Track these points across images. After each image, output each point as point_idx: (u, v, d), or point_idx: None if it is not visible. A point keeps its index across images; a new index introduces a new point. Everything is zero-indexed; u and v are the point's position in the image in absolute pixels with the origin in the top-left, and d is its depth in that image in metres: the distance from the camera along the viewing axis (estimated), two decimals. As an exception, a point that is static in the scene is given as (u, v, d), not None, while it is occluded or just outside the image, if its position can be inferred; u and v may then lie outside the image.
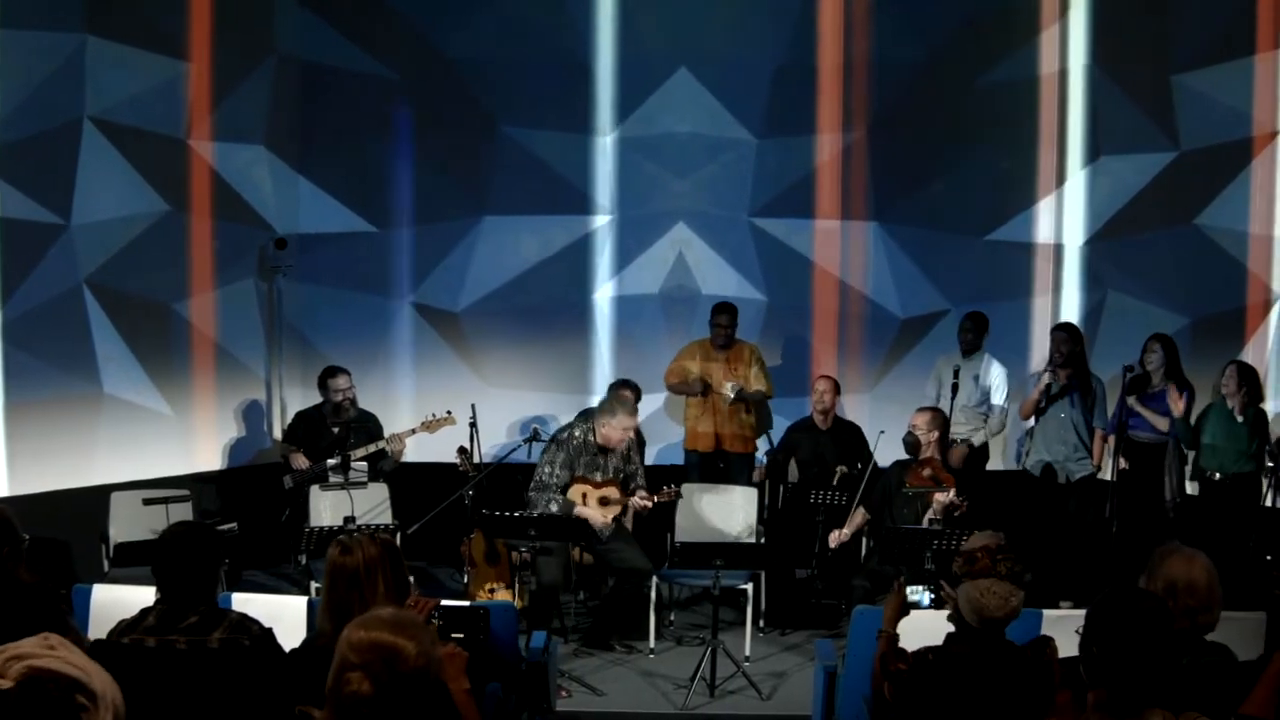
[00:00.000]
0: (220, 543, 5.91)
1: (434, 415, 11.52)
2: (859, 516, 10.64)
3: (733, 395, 12.09)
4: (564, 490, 10.45)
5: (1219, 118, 13.09)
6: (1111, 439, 11.61)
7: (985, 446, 12.16)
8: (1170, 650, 4.46)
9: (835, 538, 10.63)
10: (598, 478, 10.46)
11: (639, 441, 10.73)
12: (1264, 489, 10.96)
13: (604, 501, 10.46)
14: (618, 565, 10.53)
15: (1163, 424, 11.41)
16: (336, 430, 11.57)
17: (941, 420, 10.67)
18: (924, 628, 6.37)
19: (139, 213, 12.05)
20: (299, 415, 12.04)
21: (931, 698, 5.66)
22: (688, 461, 12.42)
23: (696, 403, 12.30)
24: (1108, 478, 11.70)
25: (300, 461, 11.46)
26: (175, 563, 5.58)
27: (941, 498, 10.09)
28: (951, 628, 5.86)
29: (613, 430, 10.41)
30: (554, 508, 10.30)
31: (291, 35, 13.03)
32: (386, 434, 11.68)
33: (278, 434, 12.84)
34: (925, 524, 10.00)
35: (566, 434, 10.60)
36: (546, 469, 10.48)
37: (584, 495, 10.49)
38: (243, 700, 5.38)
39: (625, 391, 11.54)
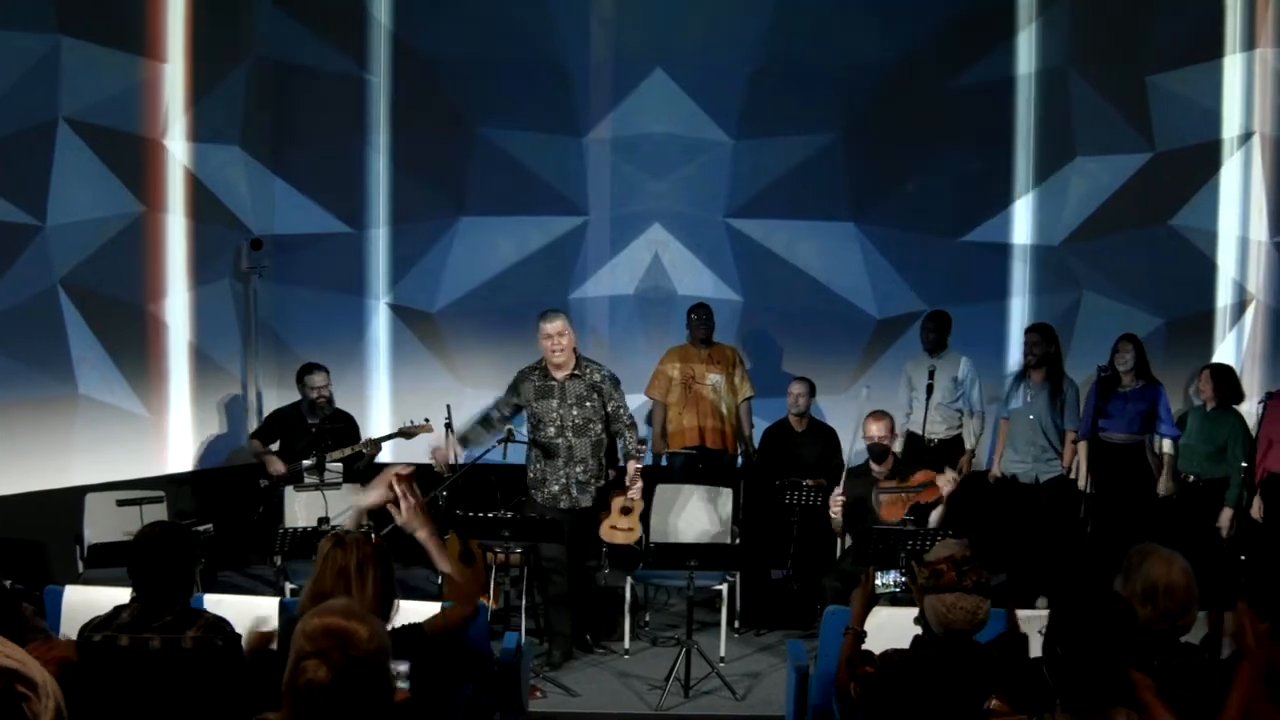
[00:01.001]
0: (195, 543, 5.97)
1: (412, 422, 11.54)
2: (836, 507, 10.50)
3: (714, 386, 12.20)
4: (506, 418, 10.51)
5: (1193, 119, 13.21)
6: (1084, 442, 11.65)
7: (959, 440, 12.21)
8: (1134, 651, 4.51)
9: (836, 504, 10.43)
10: (554, 404, 10.26)
11: (613, 379, 10.41)
12: (1234, 491, 10.94)
13: (625, 510, 10.44)
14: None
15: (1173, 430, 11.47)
16: (314, 429, 11.56)
17: (893, 422, 10.75)
18: (892, 627, 6.42)
19: (114, 213, 12.09)
20: (275, 413, 12.08)
21: (899, 699, 5.71)
22: (671, 464, 12.41)
23: (678, 400, 12.31)
24: (1076, 478, 11.77)
25: (277, 467, 11.47)
26: (151, 563, 5.63)
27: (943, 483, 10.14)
28: (918, 629, 5.92)
29: (541, 344, 10.23)
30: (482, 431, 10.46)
31: (267, 36, 13.10)
32: (363, 436, 11.70)
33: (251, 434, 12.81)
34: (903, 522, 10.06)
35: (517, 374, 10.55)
36: (494, 409, 10.55)
37: (611, 526, 10.53)
38: (215, 700, 5.43)
39: None
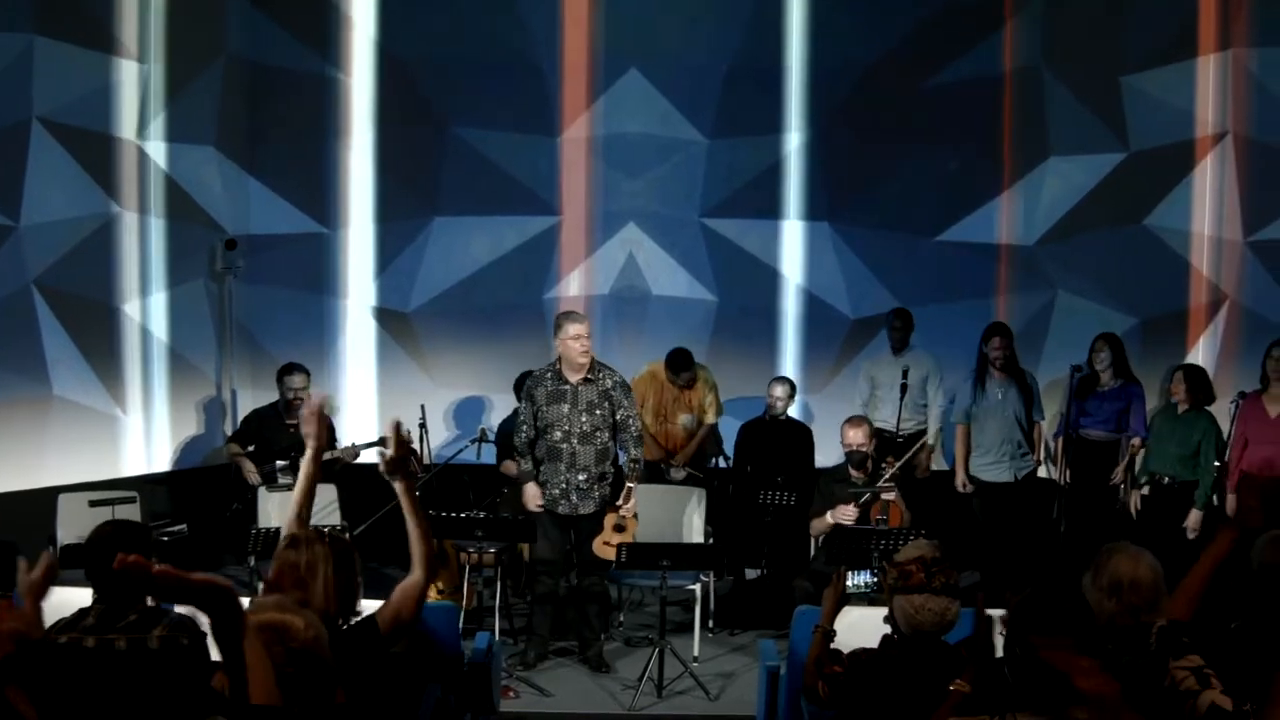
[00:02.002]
0: (150, 540, 5.99)
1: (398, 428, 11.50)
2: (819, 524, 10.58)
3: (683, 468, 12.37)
4: (532, 445, 10.34)
5: (1167, 119, 13.29)
6: (1060, 438, 11.72)
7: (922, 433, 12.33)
8: (1095, 649, 4.57)
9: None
10: (565, 409, 10.18)
11: (624, 385, 10.42)
12: (1203, 491, 10.98)
13: (619, 528, 10.47)
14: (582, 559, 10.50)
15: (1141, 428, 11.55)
16: (292, 429, 11.52)
17: (872, 428, 10.84)
18: (862, 627, 6.46)
19: (88, 214, 12.16)
20: (253, 414, 12.08)
21: (867, 699, 5.75)
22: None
23: (650, 424, 12.28)
24: (1048, 475, 11.84)
25: (253, 477, 11.49)
26: (107, 562, 5.59)
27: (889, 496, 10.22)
28: (888, 628, 5.94)
29: (568, 345, 10.10)
30: (527, 465, 10.28)
31: (242, 36, 13.14)
32: (340, 438, 11.72)
33: (228, 434, 12.86)
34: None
35: (537, 373, 10.43)
36: (523, 431, 10.34)
37: (603, 542, 10.49)
38: (182, 699, 5.42)
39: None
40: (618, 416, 10.30)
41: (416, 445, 11.63)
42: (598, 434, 10.24)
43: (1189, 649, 5.00)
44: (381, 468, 5.87)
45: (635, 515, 10.45)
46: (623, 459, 10.53)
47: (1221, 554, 5.50)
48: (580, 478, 10.21)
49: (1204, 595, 5.50)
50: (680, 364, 12.13)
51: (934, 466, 12.46)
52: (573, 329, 10.08)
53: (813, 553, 10.82)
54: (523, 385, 10.62)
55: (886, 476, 10.42)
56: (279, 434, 11.63)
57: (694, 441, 12.42)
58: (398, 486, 5.82)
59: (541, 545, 10.26)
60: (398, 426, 5.85)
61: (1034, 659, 4.56)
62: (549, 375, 10.24)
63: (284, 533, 5.94)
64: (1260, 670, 4.90)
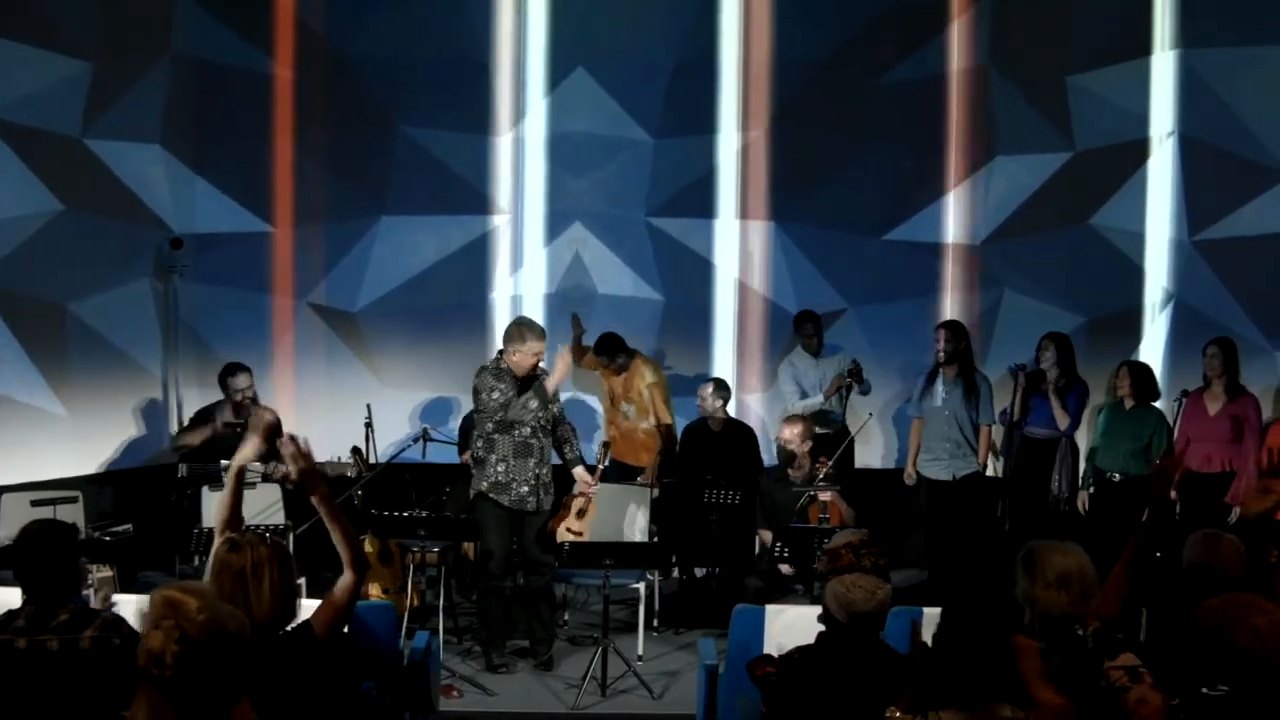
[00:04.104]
0: (77, 539, 6.03)
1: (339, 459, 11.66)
2: (766, 536, 10.72)
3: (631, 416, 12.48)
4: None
5: (1114, 118, 13.47)
6: (999, 435, 11.87)
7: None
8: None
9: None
10: (535, 405, 10.29)
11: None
12: None
13: (581, 514, 10.59)
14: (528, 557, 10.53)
15: (1064, 420, 11.69)
16: (238, 430, 11.57)
17: (811, 430, 10.99)
18: (798, 626, 6.60)
19: (33, 212, 12.20)
20: (200, 413, 12.13)
21: (801, 698, 5.85)
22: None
23: (610, 423, 12.56)
24: (993, 474, 12.00)
25: (199, 435, 11.62)
26: (35, 561, 5.72)
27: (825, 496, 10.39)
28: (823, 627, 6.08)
29: (524, 357, 10.13)
30: (534, 405, 10.29)
31: (188, 34, 13.16)
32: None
33: (174, 433, 12.95)
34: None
35: (491, 365, 10.42)
36: (495, 395, 10.22)
37: (565, 527, 10.67)
38: (115, 699, 5.40)
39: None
40: (554, 410, 10.47)
41: (361, 445, 11.75)
42: (560, 425, 10.58)
43: (1123, 647, 5.17)
44: (291, 479, 5.97)
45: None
46: (569, 450, 10.62)
47: (1137, 546, 5.82)
48: (545, 471, 10.36)
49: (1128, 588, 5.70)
50: (604, 347, 12.42)
51: (869, 464, 12.62)
52: (536, 346, 10.18)
53: (757, 550, 10.97)
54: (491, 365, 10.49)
55: (821, 477, 10.62)
56: (226, 435, 11.57)
57: (659, 455, 12.58)
58: (314, 499, 5.93)
59: (494, 540, 10.33)
60: (293, 443, 5.96)
61: (1006, 657, 4.74)
62: (505, 374, 10.27)
63: (216, 536, 5.96)
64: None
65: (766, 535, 10.64)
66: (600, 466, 10.92)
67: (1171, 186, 13.45)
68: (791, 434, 10.86)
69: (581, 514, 10.54)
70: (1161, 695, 4.94)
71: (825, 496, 10.50)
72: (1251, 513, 6.29)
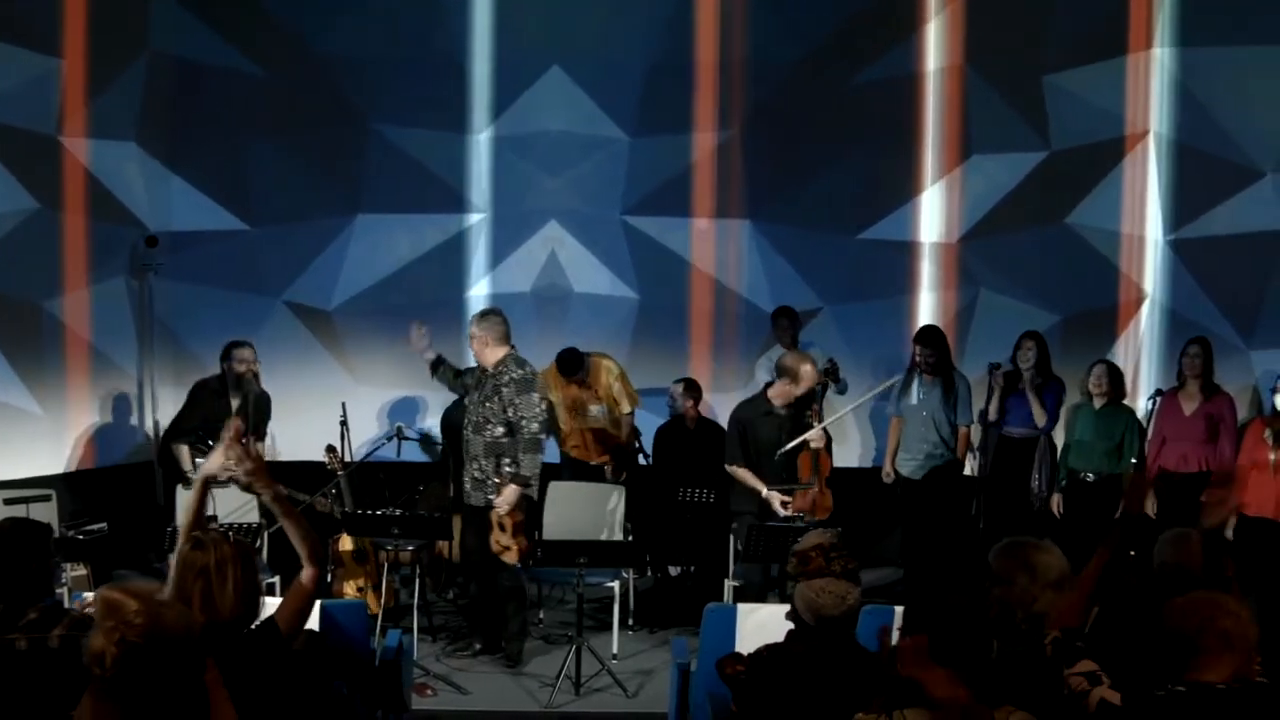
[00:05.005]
0: (48, 538, 6.08)
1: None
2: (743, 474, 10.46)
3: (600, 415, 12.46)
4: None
5: (1089, 118, 13.57)
6: (978, 435, 11.92)
7: None
8: (983, 646, 4.83)
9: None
10: (475, 397, 10.48)
11: (519, 383, 10.28)
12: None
13: (501, 527, 10.47)
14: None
15: (1041, 418, 11.74)
16: (236, 403, 11.69)
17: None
18: (769, 625, 6.63)
19: (8, 210, 12.20)
20: (200, 385, 12.10)
21: (770, 697, 5.84)
22: (561, 461, 12.60)
23: (567, 422, 12.49)
24: (970, 473, 12.05)
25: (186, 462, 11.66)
26: (5, 560, 5.76)
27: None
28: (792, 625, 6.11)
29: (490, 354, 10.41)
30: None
31: (164, 32, 13.19)
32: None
33: (149, 431, 13.09)
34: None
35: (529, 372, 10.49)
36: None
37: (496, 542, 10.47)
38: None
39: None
40: (509, 415, 10.29)
41: (336, 443, 11.78)
42: (487, 426, 10.35)
43: (1082, 654, 5.22)
44: (242, 484, 5.99)
45: (518, 523, 10.26)
46: (508, 464, 10.34)
47: (1105, 559, 5.68)
48: (474, 468, 10.39)
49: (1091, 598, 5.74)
50: (568, 367, 12.26)
51: (847, 463, 12.67)
52: (469, 328, 10.53)
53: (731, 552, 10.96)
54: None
55: (821, 423, 10.51)
56: (222, 409, 11.63)
57: (621, 441, 12.59)
58: (265, 497, 6.01)
59: (467, 536, 10.50)
60: (239, 439, 5.98)
61: (973, 655, 4.78)
62: (477, 366, 10.53)
63: (180, 535, 5.92)
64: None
65: (743, 474, 10.36)
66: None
67: (1148, 186, 13.56)
68: (812, 372, 10.41)
69: (503, 528, 10.37)
70: (1120, 695, 4.98)
71: (818, 443, 10.34)
72: (1209, 524, 6.36)
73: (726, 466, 10.51)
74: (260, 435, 11.79)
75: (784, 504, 10.19)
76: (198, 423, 11.79)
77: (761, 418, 10.42)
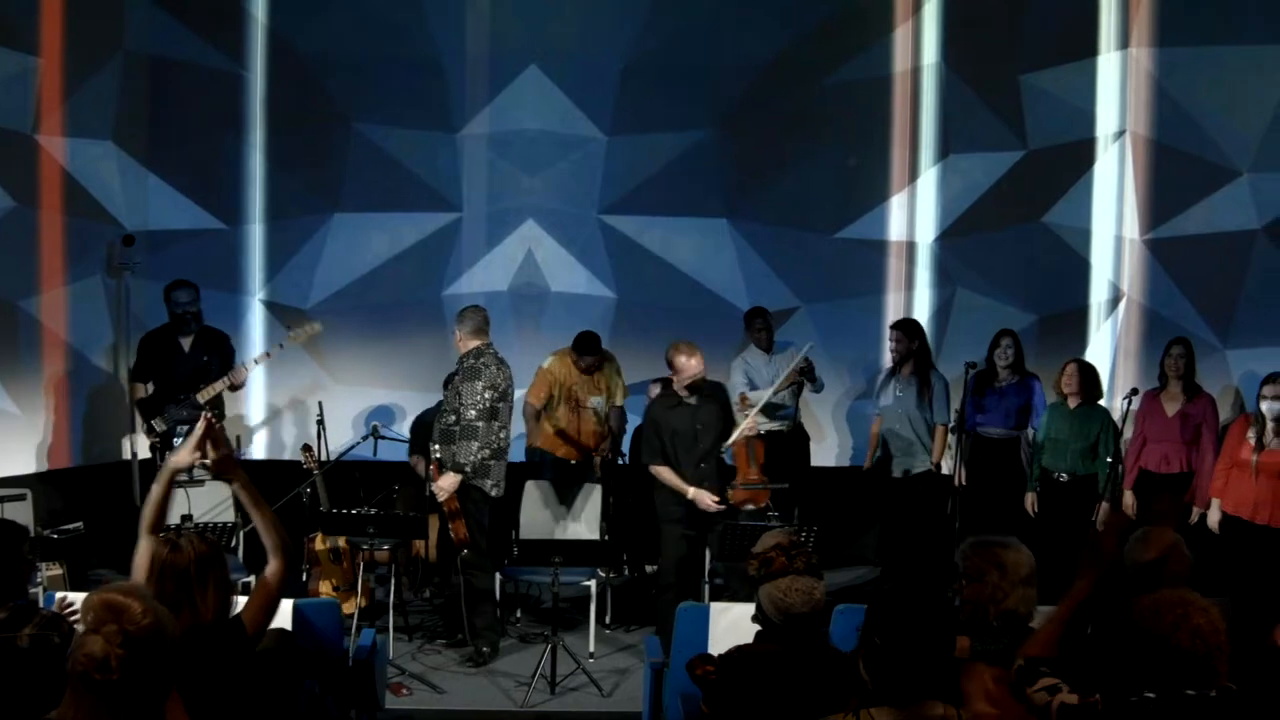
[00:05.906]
0: (21, 538, 6.12)
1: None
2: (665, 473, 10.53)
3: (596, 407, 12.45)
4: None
5: (1066, 117, 13.68)
6: (954, 435, 11.96)
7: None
8: (949, 642, 4.84)
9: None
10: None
11: (468, 371, 10.47)
12: (1103, 484, 11.22)
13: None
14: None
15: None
16: (189, 351, 11.86)
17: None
18: (741, 625, 6.65)
19: (-15, 208, 12.22)
20: (147, 339, 12.26)
21: (740, 697, 5.83)
22: (542, 460, 12.50)
23: (563, 415, 12.36)
24: (947, 473, 12.09)
25: (150, 436, 11.78)
26: None
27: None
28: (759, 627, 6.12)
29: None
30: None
31: (141, 30, 13.26)
32: (238, 358, 12.13)
33: (126, 431, 13.03)
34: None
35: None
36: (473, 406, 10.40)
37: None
38: (54, 698, 5.50)
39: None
40: (456, 403, 10.45)
41: (313, 443, 11.81)
42: (445, 415, 10.57)
43: (1042, 674, 5.23)
44: (211, 472, 5.96)
45: (454, 509, 10.36)
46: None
47: (1082, 595, 5.45)
48: (435, 455, 10.49)
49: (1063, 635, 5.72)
50: (587, 347, 12.22)
51: (824, 463, 12.72)
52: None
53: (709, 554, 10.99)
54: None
55: (751, 415, 10.56)
56: (177, 362, 11.85)
57: (608, 430, 12.56)
58: (234, 485, 5.95)
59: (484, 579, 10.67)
60: (210, 425, 5.89)
61: (937, 654, 4.72)
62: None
63: (143, 536, 5.78)
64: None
65: (666, 474, 10.41)
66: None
67: (1123, 185, 13.63)
68: (696, 361, 10.42)
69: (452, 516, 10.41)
70: (1079, 696, 4.99)
71: (751, 431, 10.39)
72: (1139, 562, 6.35)
73: (648, 467, 10.59)
74: (229, 367, 11.90)
75: (716, 501, 10.29)
76: (154, 370, 12.01)
77: (672, 410, 10.55)
